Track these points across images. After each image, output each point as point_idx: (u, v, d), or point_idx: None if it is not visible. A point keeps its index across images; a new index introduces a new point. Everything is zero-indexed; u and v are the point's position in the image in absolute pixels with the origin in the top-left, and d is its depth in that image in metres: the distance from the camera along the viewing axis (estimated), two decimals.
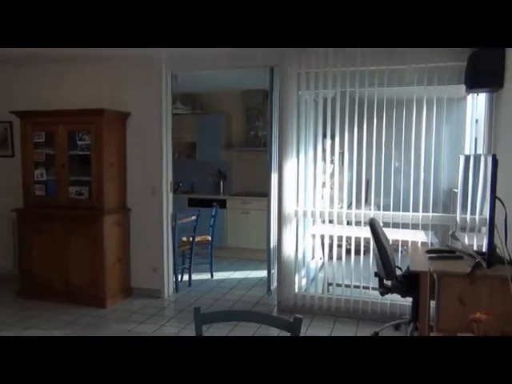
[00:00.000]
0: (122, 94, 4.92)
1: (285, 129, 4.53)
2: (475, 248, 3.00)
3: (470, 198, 3.07)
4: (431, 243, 4.23)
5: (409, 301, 4.03)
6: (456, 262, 2.79)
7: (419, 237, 4.32)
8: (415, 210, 4.28)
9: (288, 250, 4.65)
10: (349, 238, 4.73)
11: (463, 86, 3.84)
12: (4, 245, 5.45)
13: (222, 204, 6.83)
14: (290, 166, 4.57)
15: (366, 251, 4.57)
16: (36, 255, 4.84)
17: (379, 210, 4.50)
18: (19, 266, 4.99)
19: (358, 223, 4.46)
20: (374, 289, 4.33)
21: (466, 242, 3.16)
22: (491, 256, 2.49)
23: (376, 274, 3.90)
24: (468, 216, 3.17)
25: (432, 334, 2.67)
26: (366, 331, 4.09)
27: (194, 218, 5.46)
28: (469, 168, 3.14)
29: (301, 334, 1.82)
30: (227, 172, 7.45)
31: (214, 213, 5.92)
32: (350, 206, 5.08)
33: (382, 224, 4.09)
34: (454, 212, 3.92)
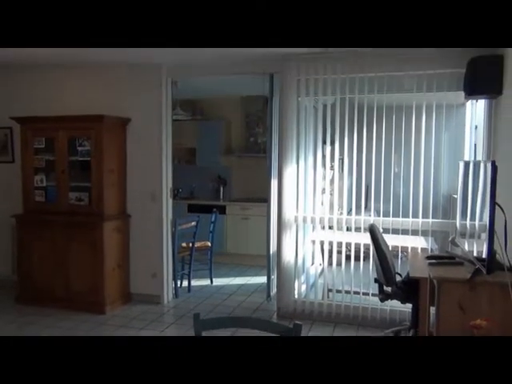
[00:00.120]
0: (122, 100, 4.93)
1: (284, 135, 4.53)
2: (475, 254, 2.99)
3: (469, 204, 3.08)
4: (431, 249, 4.23)
5: (409, 307, 4.02)
6: (456, 268, 2.79)
7: (419, 243, 4.31)
8: (415, 215, 4.28)
9: (288, 255, 4.64)
10: (348, 244, 4.72)
11: (462, 93, 3.85)
12: (3, 251, 5.43)
13: (222, 210, 6.82)
14: (289, 171, 4.57)
15: (366, 257, 4.56)
16: (35, 261, 4.82)
17: (379, 215, 4.50)
18: (18, 271, 4.98)
19: (357, 229, 4.45)
20: (373, 295, 4.31)
21: (466, 248, 3.16)
22: (491, 262, 2.49)
23: (376, 280, 3.89)
24: (468, 222, 3.17)
25: None
26: None
27: (193, 223, 5.46)
28: (468, 174, 3.14)
29: None
30: (227, 178, 7.44)
31: (213, 219, 5.92)
32: (349, 211, 5.08)
33: (381, 230, 4.09)
34: (454, 218, 3.92)
